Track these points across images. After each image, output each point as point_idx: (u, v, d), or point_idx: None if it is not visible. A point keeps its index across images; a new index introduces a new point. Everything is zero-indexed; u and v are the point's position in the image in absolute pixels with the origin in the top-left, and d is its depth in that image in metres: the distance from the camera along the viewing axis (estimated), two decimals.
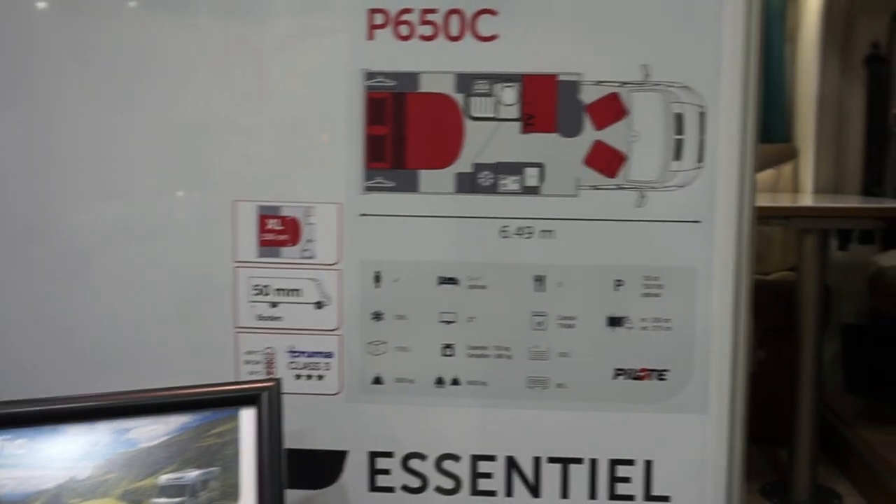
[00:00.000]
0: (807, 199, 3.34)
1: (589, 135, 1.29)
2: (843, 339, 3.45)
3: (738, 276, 1.32)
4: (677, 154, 1.31)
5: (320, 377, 1.34)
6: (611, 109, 1.29)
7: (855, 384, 3.39)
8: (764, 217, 2.65)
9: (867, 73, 3.42)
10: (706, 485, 1.35)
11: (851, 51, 3.43)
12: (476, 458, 1.36)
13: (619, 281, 1.32)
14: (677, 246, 1.32)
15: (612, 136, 1.29)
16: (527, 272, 1.31)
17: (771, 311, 3.05)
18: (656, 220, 1.31)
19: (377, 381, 1.33)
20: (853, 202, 3.03)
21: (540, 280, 1.32)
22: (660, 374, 1.34)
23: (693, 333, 1.33)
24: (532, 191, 1.29)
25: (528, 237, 1.31)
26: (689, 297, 1.33)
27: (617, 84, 1.28)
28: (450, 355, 1.32)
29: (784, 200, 3.39)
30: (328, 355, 1.33)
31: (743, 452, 1.36)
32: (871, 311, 3.28)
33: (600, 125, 1.29)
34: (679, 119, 1.30)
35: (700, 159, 1.31)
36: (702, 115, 1.30)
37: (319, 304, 1.32)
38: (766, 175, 3.67)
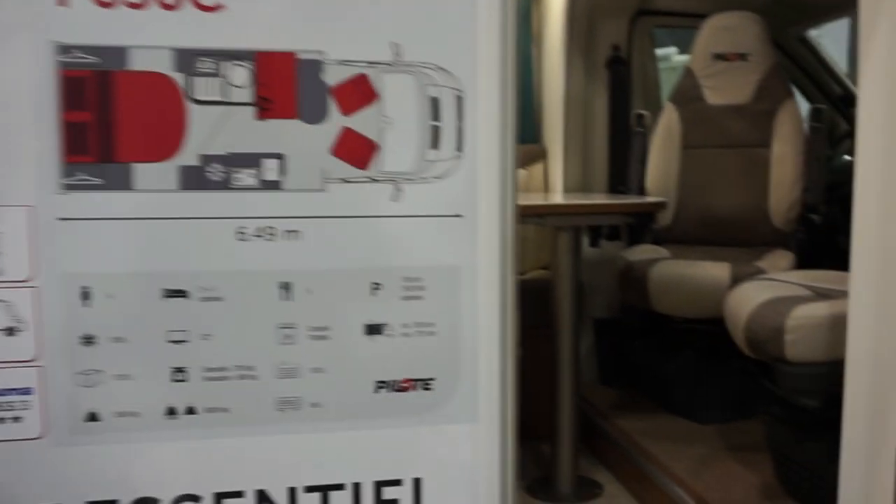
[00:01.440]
0: (558, 199, 3.42)
1: (335, 121, 1.15)
2: (596, 333, 3.55)
3: (504, 274, 1.23)
4: (434, 142, 1.20)
5: (16, 419, 1.09)
6: (359, 92, 1.15)
7: (608, 376, 3.51)
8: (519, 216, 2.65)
9: (609, 74, 3.55)
10: (479, 496, 1.25)
11: (594, 53, 3.54)
12: (221, 497, 1.17)
13: (376, 284, 1.19)
14: (438, 243, 1.21)
15: (362, 122, 1.16)
16: (270, 279, 1.14)
17: (528, 310, 3.06)
18: (414, 215, 1.19)
19: (92, 417, 1.11)
20: (601, 200, 3.12)
21: (286, 287, 1.15)
22: (425, 384, 1.22)
23: (459, 337, 1.22)
24: (272, 185, 1.13)
25: (270, 239, 1.14)
26: (454, 299, 1.22)
27: (364, 64, 1.15)
28: (182, 380, 1.13)
29: (536, 200, 3.45)
30: (25, 392, 1.08)
31: (515, 457, 1.27)
32: (621, 305, 3.39)
33: (348, 110, 1.15)
34: (435, 103, 1.19)
35: (459, 148, 1.21)
36: (459, 100, 1.20)
37: (10, 331, 1.07)
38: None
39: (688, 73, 3.34)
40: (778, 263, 2.93)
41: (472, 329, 1.22)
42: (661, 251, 3.15)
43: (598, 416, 3.14)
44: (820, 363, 2.09)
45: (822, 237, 3.09)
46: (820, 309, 2.13)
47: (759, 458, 2.47)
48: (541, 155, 3.73)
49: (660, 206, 2.85)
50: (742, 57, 3.27)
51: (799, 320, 2.12)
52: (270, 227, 1.13)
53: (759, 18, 3.23)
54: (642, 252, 3.15)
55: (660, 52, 3.77)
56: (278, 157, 1.13)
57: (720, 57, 3.29)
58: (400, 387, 1.21)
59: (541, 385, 2.65)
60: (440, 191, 1.20)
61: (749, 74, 3.26)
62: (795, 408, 2.18)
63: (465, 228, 1.21)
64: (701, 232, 3.31)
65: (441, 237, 1.21)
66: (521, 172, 3.69)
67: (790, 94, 3.22)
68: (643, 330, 3.24)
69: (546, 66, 3.70)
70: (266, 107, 1.11)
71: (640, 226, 3.39)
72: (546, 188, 3.73)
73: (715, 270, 2.84)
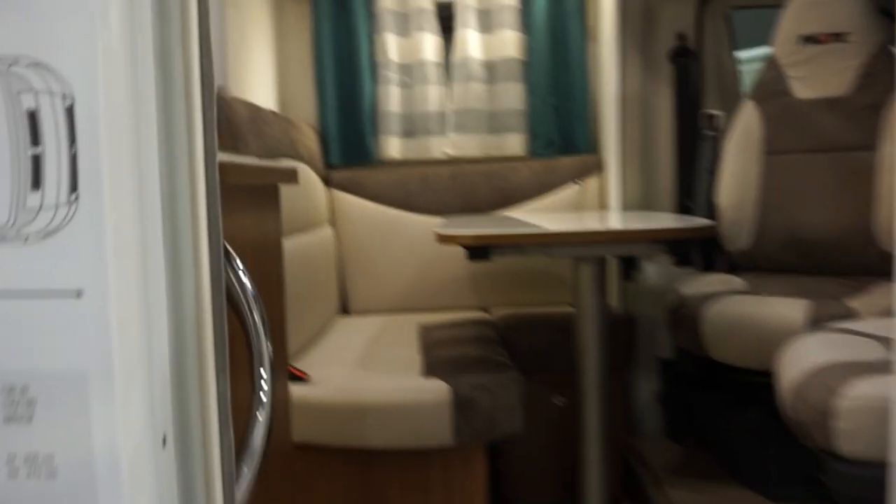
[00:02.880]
0: (611, 218, 2.87)
1: None
2: (662, 376, 2.97)
3: (162, 376, 0.78)
4: (35, 180, 0.76)
5: None
6: None
7: (675, 429, 2.91)
8: (522, 245, 2.16)
9: (674, 69, 2.96)
10: None
11: (655, 44, 2.97)
12: None
13: None
14: (49, 336, 0.77)
15: None
16: None
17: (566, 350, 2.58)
18: (8, 291, 0.77)
19: None
20: (661, 219, 2.55)
21: None
22: None
23: (94, 479, 0.78)
24: None
25: None
26: (81, 420, 0.78)
27: None
28: None
29: (589, 220, 2.91)
30: None
31: None
32: (675, 349, 2.80)
33: None
34: (33, 119, 0.76)
35: (74, 187, 0.77)
36: (70, 112, 0.76)
37: None
38: (570, 190, 3.19)
39: (770, 62, 2.71)
40: (878, 302, 2.25)
41: (111, 467, 0.78)
42: (733, 282, 2.54)
43: (650, 482, 2.57)
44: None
45: None
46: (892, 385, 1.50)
47: None
48: (596, 167, 3.19)
49: (705, 230, 2.25)
50: (839, 38, 2.60)
51: (856, 401, 1.51)
52: None
53: None
54: (704, 284, 2.55)
55: (745, 54, 3.12)
56: None
57: (810, 40, 2.63)
58: None
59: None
60: (47, 254, 0.76)
61: (848, 59, 2.59)
62: None
63: (88, 312, 0.77)
64: (787, 257, 2.66)
65: (51, 326, 0.77)
66: (574, 188, 3.16)
67: None
68: (706, 378, 2.64)
69: (602, 63, 3.16)
70: None
71: (712, 250, 2.79)
72: (602, 204, 3.18)
73: (787, 310, 2.22)
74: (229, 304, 0.92)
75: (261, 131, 2.26)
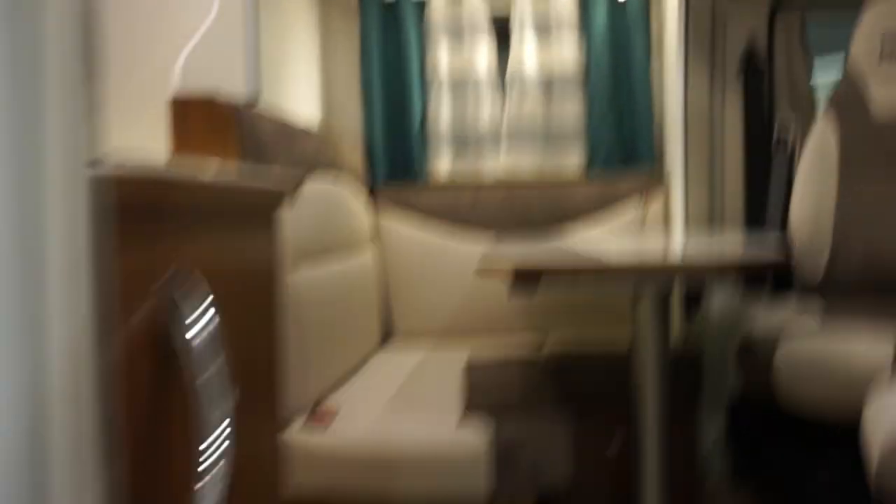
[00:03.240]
0: (674, 238, 2.66)
1: None
2: (729, 417, 2.73)
3: None
4: None
5: None
6: None
7: (743, 476, 2.66)
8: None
9: (744, 80, 2.75)
10: None
11: (723, 54, 2.76)
12: None
13: None
14: None
15: None
16: None
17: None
18: None
19: None
20: (732, 242, 2.34)
21: None
22: None
23: None
24: None
25: None
26: None
27: None
28: None
29: (652, 242, 2.70)
30: None
31: None
32: (741, 393, 2.56)
33: None
34: None
35: None
36: None
37: None
38: (631, 210, 2.99)
39: (848, 74, 2.47)
40: None
41: None
42: (808, 314, 2.31)
43: None
44: None
45: None
46: None
47: None
48: (660, 184, 2.99)
49: (780, 263, 2.01)
50: None
51: None
52: None
53: None
54: (775, 318, 2.32)
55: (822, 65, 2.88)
56: None
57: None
58: None
59: None
60: None
61: None
62: None
63: None
64: (870, 287, 2.41)
65: None
66: (637, 204, 2.96)
67: None
68: (778, 425, 2.39)
69: (666, 76, 2.96)
70: None
71: (783, 276, 2.55)
72: (666, 224, 2.97)
73: (872, 350, 1.97)
74: (171, 352, 0.77)
75: (290, 147, 2.13)
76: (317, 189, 2.32)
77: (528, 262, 1.78)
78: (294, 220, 2.05)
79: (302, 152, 2.25)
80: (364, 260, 2.83)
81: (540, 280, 1.83)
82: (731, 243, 2.25)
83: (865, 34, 2.41)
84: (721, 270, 1.84)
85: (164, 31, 2.03)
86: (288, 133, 2.16)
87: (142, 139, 2.03)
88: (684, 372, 2.52)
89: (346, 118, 3.13)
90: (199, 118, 1.84)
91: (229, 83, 2.16)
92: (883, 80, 2.39)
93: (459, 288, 2.98)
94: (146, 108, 2.02)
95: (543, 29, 3.08)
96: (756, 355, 2.18)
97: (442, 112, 3.08)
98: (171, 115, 1.84)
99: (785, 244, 2.41)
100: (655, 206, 2.97)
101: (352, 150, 2.89)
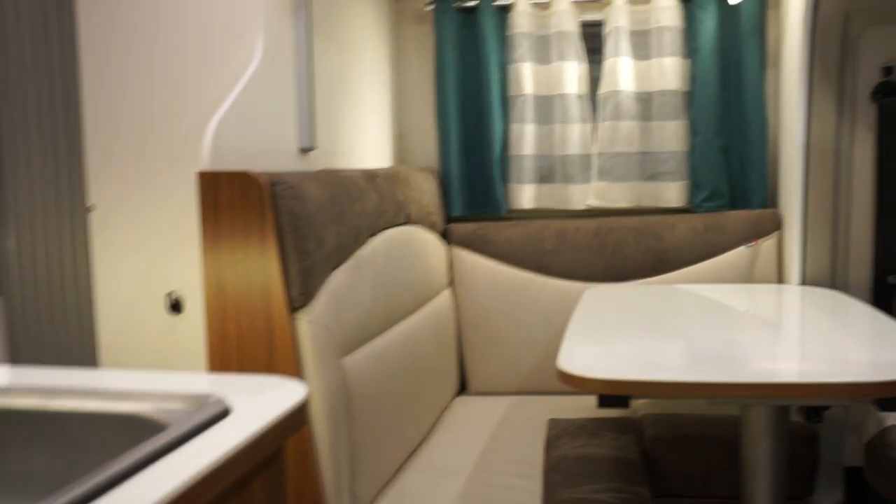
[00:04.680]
0: (790, 292, 2.29)
1: None
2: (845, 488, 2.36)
3: None
4: None
5: None
6: None
7: None
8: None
9: (878, 110, 2.32)
10: None
11: (853, 78, 2.34)
12: None
13: None
14: None
15: None
16: None
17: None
18: None
19: None
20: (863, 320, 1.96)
21: None
22: None
23: None
24: None
25: None
26: None
27: None
28: None
29: (757, 294, 2.35)
30: None
31: None
32: (871, 495, 2.18)
33: None
34: None
35: None
36: None
37: None
38: (739, 254, 2.61)
39: None
40: None
41: None
42: None
43: None
44: None
45: None
46: None
47: None
48: (774, 226, 2.60)
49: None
50: None
51: None
52: None
53: None
54: None
55: None
56: None
57: None
58: None
59: None
60: None
61: None
62: None
63: None
64: None
65: None
66: (744, 251, 2.59)
67: None
68: None
69: (784, 98, 2.56)
70: None
71: None
72: (780, 274, 2.59)
73: None
74: None
75: (343, 214, 1.87)
76: (379, 247, 2.08)
77: (616, 382, 1.50)
78: (349, 295, 1.84)
79: (361, 212, 1.99)
80: (441, 305, 2.58)
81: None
82: (863, 338, 1.85)
83: None
84: (849, 391, 1.49)
85: (195, 93, 1.81)
86: (342, 194, 1.91)
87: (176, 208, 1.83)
88: (801, 447, 2.17)
89: (419, 143, 2.86)
90: (229, 193, 1.61)
91: (278, 136, 1.93)
92: None
93: (543, 336, 2.68)
94: (179, 178, 1.81)
95: (642, 39, 2.71)
96: (890, 456, 1.83)
97: (525, 136, 2.76)
98: (200, 189, 1.62)
99: None
100: (767, 253, 2.59)
101: (425, 181, 2.61)
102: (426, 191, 2.60)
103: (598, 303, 2.21)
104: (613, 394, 1.50)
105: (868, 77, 2.33)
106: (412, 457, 2.19)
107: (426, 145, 2.87)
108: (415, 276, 2.36)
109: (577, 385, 1.50)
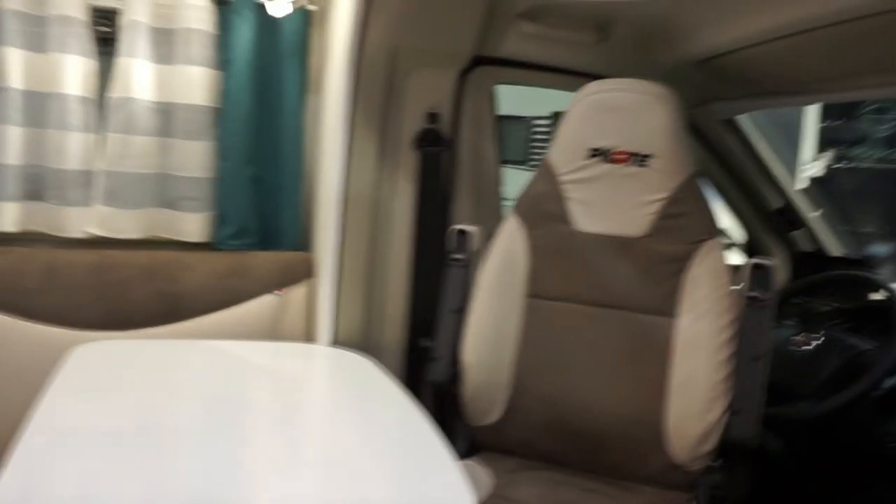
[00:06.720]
0: (319, 361, 2.02)
1: None
2: None
3: None
4: None
5: None
6: None
7: None
8: None
9: (420, 158, 2.16)
10: None
11: (397, 123, 2.14)
12: None
13: None
14: None
15: None
16: None
17: None
18: None
19: None
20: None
21: None
22: None
23: None
24: None
25: None
26: None
27: None
28: None
29: (281, 359, 2.04)
30: None
31: None
32: None
33: None
34: None
35: None
36: None
37: None
38: (266, 302, 2.30)
39: (544, 170, 1.97)
40: None
41: None
42: (474, 471, 1.80)
43: None
44: None
45: None
46: None
47: None
48: (306, 272, 2.33)
49: None
50: (642, 160, 1.90)
51: None
52: None
53: (669, 94, 1.88)
54: None
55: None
56: None
57: (600, 153, 1.92)
58: None
59: None
60: None
61: (646, 191, 1.91)
62: None
63: None
64: (546, 444, 1.95)
65: None
66: (272, 300, 2.28)
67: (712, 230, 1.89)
68: None
69: (324, 131, 2.29)
70: None
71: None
72: (309, 327, 2.33)
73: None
74: None
75: None
76: None
77: None
78: None
79: None
80: None
81: None
82: (388, 457, 1.60)
83: (570, 127, 1.94)
84: None
85: None
86: None
87: None
88: None
89: None
90: None
91: None
92: (584, 186, 1.94)
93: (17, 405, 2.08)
94: None
95: (166, 39, 2.25)
96: None
97: (8, 139, 2.14)
98: None
99: (455, 376, 1.91)
100: (297, 302, 2.30)
101: None
102: None
103: (83, 370, 1.68)
104: None
105: (413, 122, 2.14)
106: None
107: None
108: None
109: None
